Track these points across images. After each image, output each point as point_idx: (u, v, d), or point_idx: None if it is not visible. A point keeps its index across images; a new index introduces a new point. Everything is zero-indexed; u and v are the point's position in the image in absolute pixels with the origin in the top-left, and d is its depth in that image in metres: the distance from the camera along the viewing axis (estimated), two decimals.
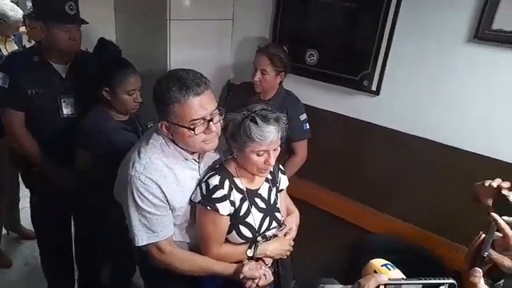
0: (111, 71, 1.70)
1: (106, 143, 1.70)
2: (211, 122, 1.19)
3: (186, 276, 1.34)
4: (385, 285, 0.54)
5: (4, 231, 2.80)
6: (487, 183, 1.13)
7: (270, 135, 1.21)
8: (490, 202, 1.13)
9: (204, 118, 1.18)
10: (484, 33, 1.60)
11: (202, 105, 1.16)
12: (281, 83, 2.08)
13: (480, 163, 1.70)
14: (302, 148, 2.12)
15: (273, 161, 1.27)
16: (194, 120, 1.16)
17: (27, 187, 2.17)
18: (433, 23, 1.75)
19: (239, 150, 1.28)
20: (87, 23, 1.85)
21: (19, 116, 1.84)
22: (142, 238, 1.27)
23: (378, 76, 1.93)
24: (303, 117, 2.08)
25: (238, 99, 2.05)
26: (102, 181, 1.56)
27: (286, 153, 2.12)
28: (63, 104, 1.87)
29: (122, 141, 1.71)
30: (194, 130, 1.17)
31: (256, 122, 1.21)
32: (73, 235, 2.22)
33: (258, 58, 2.00)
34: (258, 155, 1.25)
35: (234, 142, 1.27)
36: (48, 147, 1.89)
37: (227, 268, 1.33)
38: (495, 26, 1.57)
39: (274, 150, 1.27)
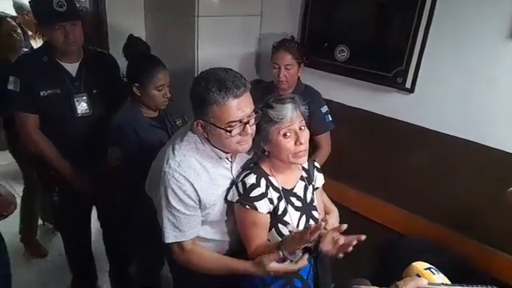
0: (141, 67, 1.72)
1: (135, 140, 1.73)
2: (247, 125, 1.19)
3: (216, 276, 1.34)
4: None
5: (40, 222, 2.92)
6: None
7: (287, 112, 1.22)
8: None
9: (241, 121, 1.17)
10: None
11: (240, 107, 1.15)
12: (299, 78, 2.08)
13: None
14: (326, 141, 2.10)
15: (304, 140, 1.25)
16: (231, 122, 1.16)
17: (44, 189, 2.21)
18: (472, 18, 1.66)
19: (267, 141, 1.27)
20: (79, 19, 1.79)
21: (33, 119, 1.82)
22: (169, 236, 1.28)
23: (413, 73, 1.85)
24: (325, 109, 2.07)
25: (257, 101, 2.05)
26: (132, 177, 1.59)
27: (310, 147, 2.07)
28: (76, 103, 1.84)
29: (151, 137, 1.73)
30: (230, 132, 1.16)
31: (271, 106, 1.24)
32: (93, 230, 2.28)
33: (278, 55, 1.99)
34: (285, 137, 1.24)
35: (260, 135, 1.27)
36: (65, 148, 1.87)
37: (244, 265, 1.29)
38: None
39: (301, 129, 1.25)
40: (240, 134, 1.19)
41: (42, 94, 1.77)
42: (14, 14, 2.96)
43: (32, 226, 2.77)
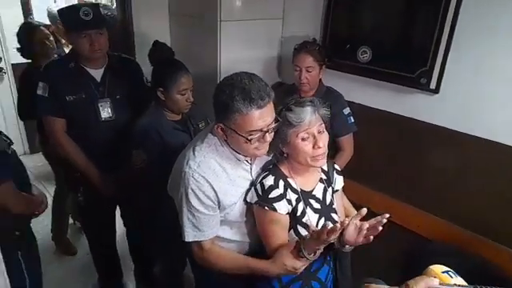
0: (165, 72, 1.77)
1: (159, 142, 1.77)
2: (267, 133, 1.20)
3: (234, 275, 1.35)
4: None
5: (71, 221, 3.04)
6: None
7: (306, 115, 1.22)
8: None
9: (262, 130, 1.18)
10: None
11: (262, 117, 1.16)
12: (321, 80, 2.07)
13: None
14: (348, 143, 2.09)
15: (322, 144, 1.24)
16: (252, 131, 1.17)
17: (70, 189, 2.28)
18: (499, 17, 1.61)
19: (285, 143, 1.28)
20: (105, 27, 1.85)
21: (60, 123, 1.89)
22: (188, 235, 1.30)
23: (438, 73, 1.81)
24: (347, 110, 2.06)
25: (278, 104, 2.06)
26: (156, 179, 1.63)
27: (332, 149, 2.07)
28: (100, 108, 1.90)
29: (174, 140, 1.77)
30: (250, 140, 1.18)
31: (291, 109, 1.24)
32: (118, 230, 2.34)
33: (299, 57, 1.99)
34: (304, 140, 1.24)
35: (279, 138, 1.27)
36: (90, 152, 1.93)
37: (264, 265, 1.28)
38: None
39: (319, 132, 1.25)
40: (258, 141, 1.21)
41: (67, 98, 1.84)
42: (47, 22, 3.10)
43: (62, 226, 2.88)
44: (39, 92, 1.86)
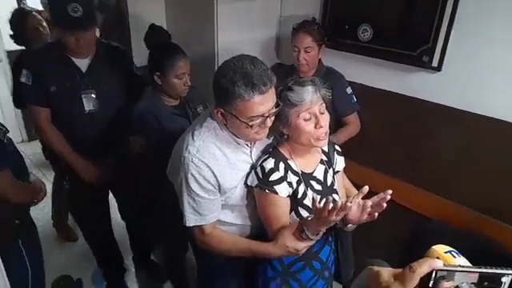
0: (161, 56, 1.73)
1: (157, 128, 1.75)
2: (268, 118, 1.19)
3: (236, 257, 1.36)
4: (437, 271, 0.49)
5: None
6: None
7: (307, 95, 1.21)
8: None
9: (263, 115, 1.17)
10: None
11: (263, 103, 1.14)
12: (320, 60, 2.05)
13: None
14: (354, 120, 2.09)
15: (324, 123, 1.23)
16: (253, 116, 1.16)
17: (61, 178, 2.23)
18: None
19: (286, 124, 1.26)
20: (93, 27, 1.75)
21: (44, 112, 1.83)
22: (190, 219, 1.30)
23: (440, 51, 1.77)
24: (349, 90, 2.05)
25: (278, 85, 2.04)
26: (155, 164, 1.61)
27: (337, 129, 2.06)
28: (84, 100, 1.82)
29: (172, 125, 1.74)
30: (251, 126, 1.17)
31: (292, 89, 1.23)
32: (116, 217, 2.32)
33: (298, 37, 1.96)
34: (305, 120, 1.22)
35: (280, 120, 1.25)
36: (74, 143, 1.88)
37: (266, 247, 1.28)
38: None
39: (321, 113, 1.23)
40: (259, 126, 1.19)
41: (51, 89, 1.77)
42: (41, 8, 3.04)
43: (62, 212, 2.88)
44: (22, 79, 1.79)
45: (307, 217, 1.24)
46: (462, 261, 0.67)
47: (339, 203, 1.05)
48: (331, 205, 1.06)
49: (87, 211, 2.12)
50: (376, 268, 0.53)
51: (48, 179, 2.70)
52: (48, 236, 2.73)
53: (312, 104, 1.22)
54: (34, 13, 2.51)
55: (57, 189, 2.77)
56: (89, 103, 1.83)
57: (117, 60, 1.96)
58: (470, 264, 0.65)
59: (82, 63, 1.82)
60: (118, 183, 2.03)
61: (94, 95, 1.83)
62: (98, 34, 1.91)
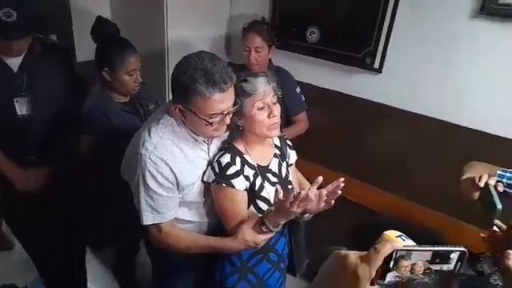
0: (111, 51, 1.66)
1: (106, 125, 1.69)
2: (227, 116, 1.20)
3: (194, 253, 1.36)
4: (396, 251, 0.55)
5: None
6: (476, 179, 1.15)
7: (260, 85, 1.25)
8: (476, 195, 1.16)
9: (222, 113, 1.18)
10: (490, 7, 1.58)
11: (223, 101, 1.15)
12: (270, 59, 2.09)
13: (481, 139, 1.72)
14: (303, 119, 2.16)
15: (277, 112, 1.28)
16: (213, 114, 1.16)
17: None
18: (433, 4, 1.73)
19: (241, 116, 1.29)
20: (28, 35, 1.55)
21: None
22: (147, 218, 1.28)
23: (381, 53, 1.92)
24: (298, 89, 2.13)
25: None
26: (104, 163, 1.55)
27: (286, 127, 2.12)
28: (16, 103, 1.61)
29: (122, 123, 1.70)
30: (211, 124, 1.18)
31: (246, 80, 1.27)
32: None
33: (248, 37, 1.99)
34: (259, 109, 1.26)
35: (235, 112, 1.27)
36: (6, 148, 1.68)
37: (225, 242, 1.30)
38: (502, 0, 1.55)
39: (274, 103, 1.29)
40: (218, 123, 1.21)
41: None
42: None
43: None
44: None
45: (268, 209, 1.29)
46: (410, 243, 0.75)
47: (302, 193, 1.10)
48: (292, 196, 1.10)
49: (23, 220, 1.88)
50: (343, 252, 0.58)
51: None
52: None
53: (265, 94, 1.26)
54: None
55: None
56: (21, 107, 1.62)
57: (55, 58, 1.75)
58: (415, 244, 0.73)
59: (14, 62, 1.59)
60: (58, 188, 1.83)
61: (28, 98, 1.62)
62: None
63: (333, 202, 1.23)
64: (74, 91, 1.76)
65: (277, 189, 1.17)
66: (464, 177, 1.22)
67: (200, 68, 1.12)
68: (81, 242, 2.14)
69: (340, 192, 1.20)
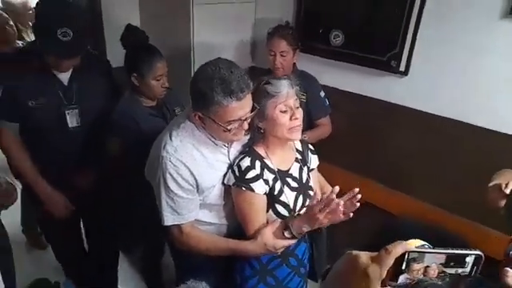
0: (139, 58, 1.73)
1: (135, 129, 1.74)
2: (245, 121, 1.22)
3: (215, 256, 1.38)
4: (409, 252, 0.54)
5: None
6: (503, 186, 1.11)
7: (284, 88, 1.26)
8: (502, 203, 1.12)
9: (240, 119, 1.20)
10: None
11: (241, 108, 1.17)
12: (295, 64, 2.10)
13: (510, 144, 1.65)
14: (327, 123, 2.15)
15: (299, 115, 1.29)
16: (231, 121, 1.19)
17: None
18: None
19: (263, 118, 1.30)
20: (82, 52, 1.60)
21: (12, 127, 1.65)
22: (168, 219, 1.31)
23: (407, 56, 1.89)
24: (323, 93, 2.12)
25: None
26: (132, 166, 1.61)
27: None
28: (67, 116, 1.66)
29: (150, 126, 1.73)
30: (229, 130, 1.20)
31: (269, 82, 1.28)
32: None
33: (273, 42, 2.00)
34: (282, 112, 1.27)
35: (256, 115, 1.28)
36: (52, 159, 1.70)
37: (244, 245, 1.32)
38: None
39: (296, 107, 1.29)
40: (236, 129, 1.23)
41: (30, 103, 1.59)
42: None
43: (32, 218, 2.78)
44: None
45: (291, 215, 1.29)
46: None
47: (334, 199, 1.11)
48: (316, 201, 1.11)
49: (59, 237, 1.98)
50: (354, 252, 0.58)
51: (18, 185, 2.60)
52: (17, 242, 2.60)
53: (288, 96, 1.27)
54: None
55: (26, 195, 2.66)
56: (72, 119, 1.68)
57: (98, 70, 1.81)
58: None
59: (64, 75, 1.66)
60: (88, 208, 1.90)
61: (78, 110, 1.69)
62: None
63: (351, 214, 1.21)
64: (113, 99, 1.82)
65: (315, 193, 1.18)
66: (491, 183, 1.18)
67: (217, 77, 1.14)
68: (112, 245, 2.19)
69: (358, 204, 1.19)
